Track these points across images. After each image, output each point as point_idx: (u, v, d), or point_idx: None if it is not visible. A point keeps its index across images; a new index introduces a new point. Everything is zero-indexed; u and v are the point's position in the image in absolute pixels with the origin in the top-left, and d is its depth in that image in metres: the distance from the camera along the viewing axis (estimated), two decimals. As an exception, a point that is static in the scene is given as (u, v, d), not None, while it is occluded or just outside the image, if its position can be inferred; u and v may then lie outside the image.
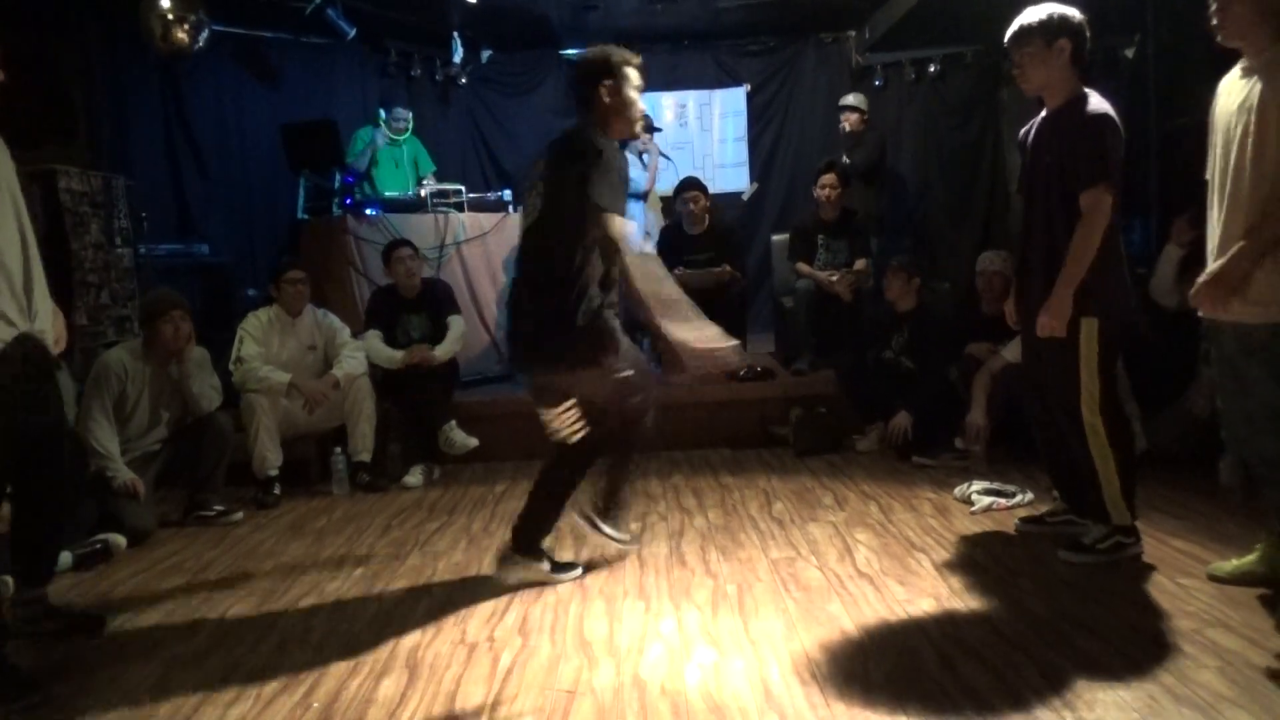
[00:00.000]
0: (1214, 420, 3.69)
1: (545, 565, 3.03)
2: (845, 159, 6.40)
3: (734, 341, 2.76)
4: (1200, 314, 2.63)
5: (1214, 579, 2.73)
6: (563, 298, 2.72)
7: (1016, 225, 3.26)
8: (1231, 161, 2.53)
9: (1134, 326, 3.11)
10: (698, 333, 2.69)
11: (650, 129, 6.64)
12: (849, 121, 6.71)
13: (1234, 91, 2.56)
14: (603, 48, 2.94)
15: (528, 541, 3.01)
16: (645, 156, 6.67)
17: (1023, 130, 3.15)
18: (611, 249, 2.74)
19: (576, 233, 2.71)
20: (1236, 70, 2.58)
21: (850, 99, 6.81)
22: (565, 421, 2.82)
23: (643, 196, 6.54)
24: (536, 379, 2.96)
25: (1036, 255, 2.99)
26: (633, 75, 2.90)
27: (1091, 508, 3.01)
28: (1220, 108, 2.63)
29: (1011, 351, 4.06)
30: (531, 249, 2.86)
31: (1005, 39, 2.93)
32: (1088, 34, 2.87)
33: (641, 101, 2.95)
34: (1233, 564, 2.74)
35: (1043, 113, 3.03)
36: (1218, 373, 2.69)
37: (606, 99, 2.85)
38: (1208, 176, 2.73)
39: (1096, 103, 2.84)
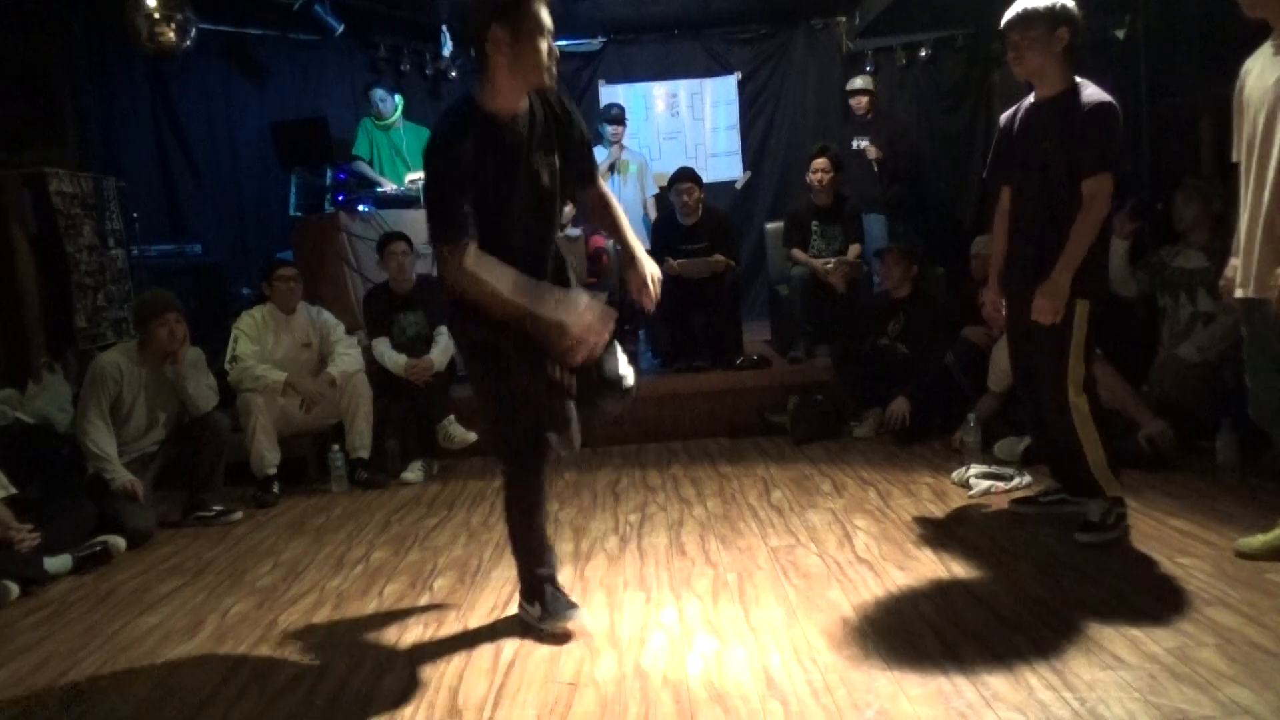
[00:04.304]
0: (1207, 368, 3.75)
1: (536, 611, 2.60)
2: (859, 145, 6.40)
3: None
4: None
5: (1242, 555, 2.71)
6: None
7: (992, 213, 3.26)
8: (1259, 140, 2.53)
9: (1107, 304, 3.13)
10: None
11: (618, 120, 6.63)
12: (860, 105, 6.69)
13: (1266, 69, 2.54)
14: None
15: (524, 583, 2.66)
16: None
17: (1005, 115, 3.12)
18: None
19: None
20: (1267, 47, 2.57)
21: (859, 81, 6.76)
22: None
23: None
24: None
25: (1029, 243, 2.98)
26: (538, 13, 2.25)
27: (1084, 485, 3.04)
28: (1250, 86, 2.62)
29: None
30: None
31: (1004, 21, 2.90)
32: (1081, 26, 2.87)
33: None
34: (1260, 539, 2.72)
35: (1029, 99, 3.01)
36: (1251, 349, 2.73)
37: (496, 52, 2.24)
38: (1236, 159, 2.74)
39: (1095, 91, 2.84)
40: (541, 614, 2.56)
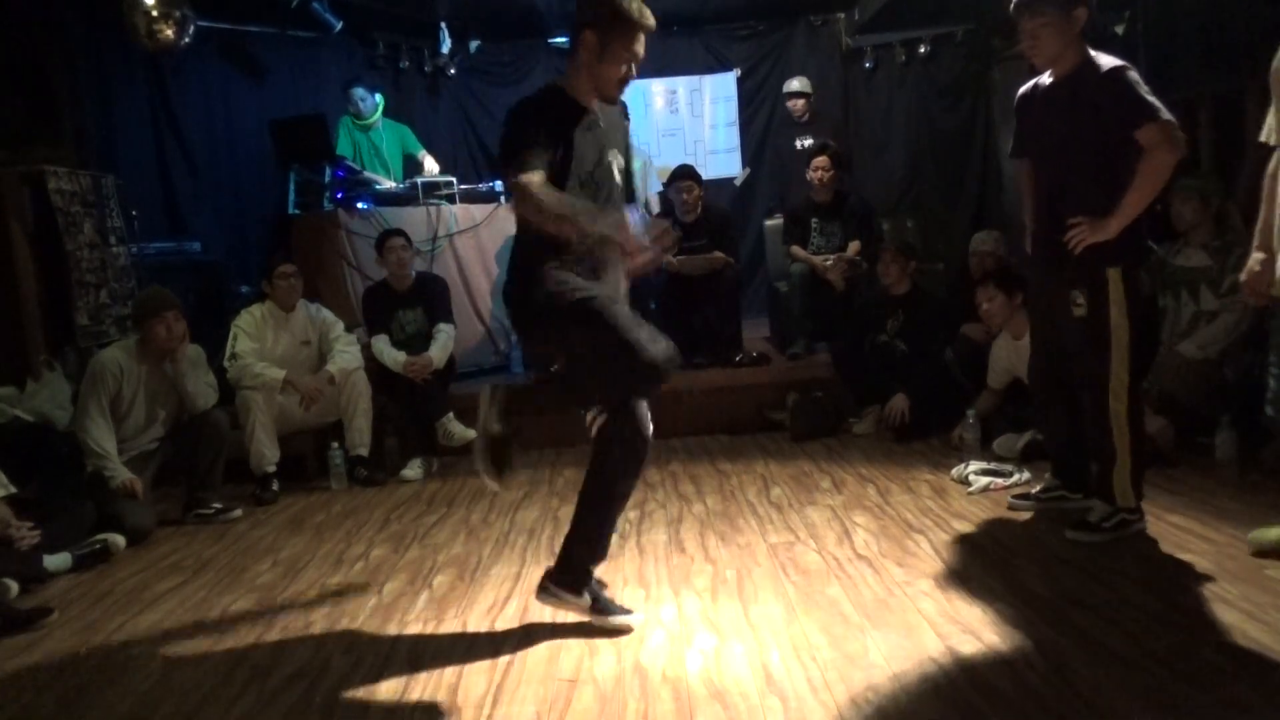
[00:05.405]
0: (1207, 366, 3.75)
1: (585, 600, 2.57)
2: (801, 144, 6.36)
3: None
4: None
5: (1260, 554, 2.64)
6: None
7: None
8: None
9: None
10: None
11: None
12: (796, 108, 6.62)
13: None
14: None
15: (569, 569, 2.57)
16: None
17: (1021, 91, 3.04)
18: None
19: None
20: None
21: (796, 84, 6.65)
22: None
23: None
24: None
25: (1050, 226, 2.88)
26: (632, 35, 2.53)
27: (1098, 488, 3.00)
28: None
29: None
30: None
31: (1013, 7, 2.82)
32: (1094, 3, 2.80)
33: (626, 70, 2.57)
34: (1276, 532, 2.68)
35: (1044, 78, 2.93)
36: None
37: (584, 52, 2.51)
38: (1263, 138, 2.67)
39: (1107, 59, 2.76)
40: (594, 607, 2.57)
